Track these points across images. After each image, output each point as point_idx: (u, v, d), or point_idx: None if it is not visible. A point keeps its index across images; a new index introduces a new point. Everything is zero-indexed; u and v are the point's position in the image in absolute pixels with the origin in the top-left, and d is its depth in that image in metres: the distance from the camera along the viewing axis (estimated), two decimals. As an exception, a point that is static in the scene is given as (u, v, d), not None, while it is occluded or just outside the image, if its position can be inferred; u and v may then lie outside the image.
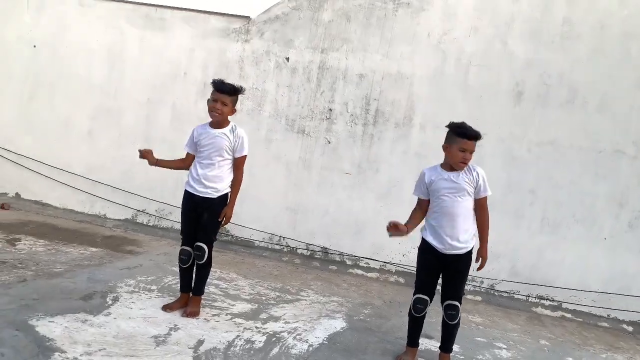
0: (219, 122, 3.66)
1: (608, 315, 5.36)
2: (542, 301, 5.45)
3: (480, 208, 3.34)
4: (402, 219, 5.66)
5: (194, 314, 3.58)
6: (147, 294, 3.89)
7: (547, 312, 5.40)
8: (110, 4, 6.26)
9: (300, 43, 5.81)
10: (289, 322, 3.74)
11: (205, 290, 4.17)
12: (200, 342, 3.11)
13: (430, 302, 3.40)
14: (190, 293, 3.67)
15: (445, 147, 3.33)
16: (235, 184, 3.74)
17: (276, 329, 3.54)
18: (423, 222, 3.50)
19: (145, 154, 3.74)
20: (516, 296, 5.52)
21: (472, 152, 3.26)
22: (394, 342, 3.70)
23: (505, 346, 4.08)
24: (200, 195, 3.62)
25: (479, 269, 3.42)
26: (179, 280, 3.79)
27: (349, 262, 5.87)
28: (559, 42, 5.38)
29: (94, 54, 6.28)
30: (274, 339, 3.36)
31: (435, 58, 5.58)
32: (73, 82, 6.33)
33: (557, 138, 5.42)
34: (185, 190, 3.71)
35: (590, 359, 4.11)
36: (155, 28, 6.15)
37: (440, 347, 3.47)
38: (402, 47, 5.65)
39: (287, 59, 5.84)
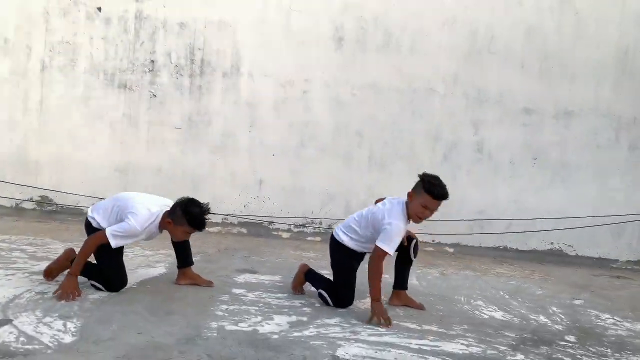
0: None
1: (433, 240, 5.87)
2: (375, 235, 5.78)
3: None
4: (239, 170, 5.66)
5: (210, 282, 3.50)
6: None
7: (380, 244, 5.75)
8: None
9: (113, -9, 5.43)
10: (98, 274, 3.52)
11: (6, 255, 3.82)
12: (-23, 300, 2.81)
13: None
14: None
15: (409, 195, 3.14)
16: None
17: (79, 281, 3.32)
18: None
19: None
20: (352, 233, 5.80)
21: (432, 211, 3.10)
22: (214, 279, 3.66)
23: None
24: None
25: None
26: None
27: (188, 220, 5.72)
28: (373, -14, 5.63)
29: None
30: (71, 289, 3.14)
31: (256, 4, 5.55)
32: None
33: (377, 81, 5.71)
34: None
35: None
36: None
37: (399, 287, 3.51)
38: (222, -6, 5.54)
39: (99, 8, 5.43)
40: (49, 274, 3.29)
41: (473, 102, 5.78)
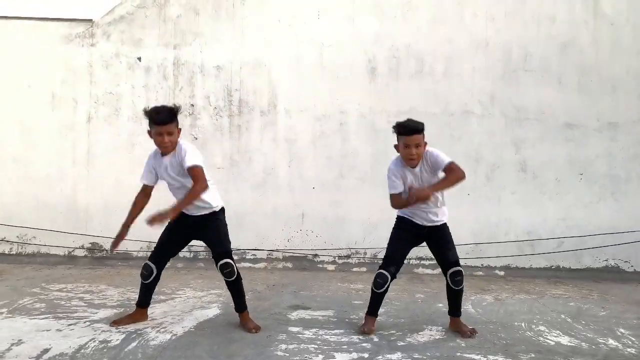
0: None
1: (482, 265, 5.73)
2: (422, 262, 5.71)
3: (449, 171, 3.24)
4: (281, 205, 5.70)
5: (257, 328, 3.36)
6: (-7, 318, 3.53)
7: (428, 271, 5.67)
8: None
9: (151, 41, 5.64)
10: (155, 319, 3.56)
11: (66, 304, 3.90)
12: (46, 351, 2.87)
13: (392, 279, 3.38)
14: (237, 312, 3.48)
15: (395, 147, 3.34)
16: (188, 194, 3.22)
17: (139, 327, 3.36)
18: None
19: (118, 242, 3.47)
20: (398, 261, 5.72)
21: (417, 145, 3.21)
22: (266, 318, 3.65)
23: (380, 304, 4.19)
24: (194, 214, 3.34)
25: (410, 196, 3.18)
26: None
27: (235, 257, 5.74)
28: (401, 16, 5.69)
29: None
30: (133, 336, 3.18)
31: (289, 42, 5.67)
32: None
33: (412, 107, 5.70)
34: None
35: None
36: (-12, 41, 5.67)
37: (450, 313, 3.55)
38: (256, 35, 5.68)
39: (139, 58, 5.64)
40: (117, 323, 3.37)
41: (512, 121, 5.71)
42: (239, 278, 3.43)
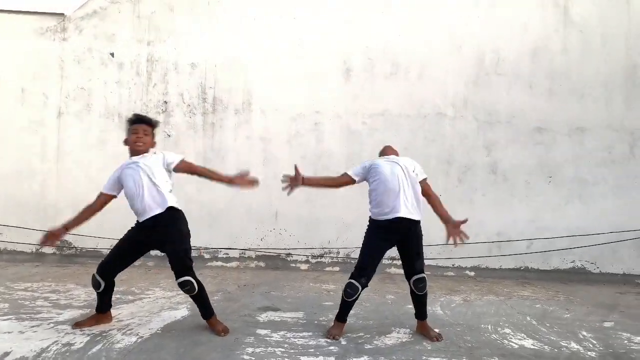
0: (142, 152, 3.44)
1: (452, 265, 5.81)
2: (394, 262, 5.76)
3: None
4: (255, 204, 5.69)
5: (225, 330, 3.33)
6: (-46, 320, 3.44)
7: (400, 271, 5.70)
8: None
9: (125, 37, 5.55)
10: (122, 320, 3.53)
11: (30, 305, 3.84)
12: (6, 354, 2.82)
13: (362, 289, 3.39)
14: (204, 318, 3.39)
15: None
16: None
17: (105, 329, 3.33)
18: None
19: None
20: (370, 262, 5.76)
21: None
22: (235, 320, 3.65)
23: (350, 306, 4.21)
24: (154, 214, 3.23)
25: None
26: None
27: (207, 256, 5.74)
28: (377, 18, 5.70)
29: None
30: (98, 338, 3.14)
31: (265, 41, 5.65)
32: None
33: (387, 108, 5.75)
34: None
35: (430, 303, 4.37)
36: (-43, 33, 5.52)
37: (417, 316, 3.58)
38: (231, 33, 5.64)
39: (112, 54, 5.55)
40: (80, 325, 3.31)
41: (484, 124, 5.79)
42: (201, 289, 3.30)
